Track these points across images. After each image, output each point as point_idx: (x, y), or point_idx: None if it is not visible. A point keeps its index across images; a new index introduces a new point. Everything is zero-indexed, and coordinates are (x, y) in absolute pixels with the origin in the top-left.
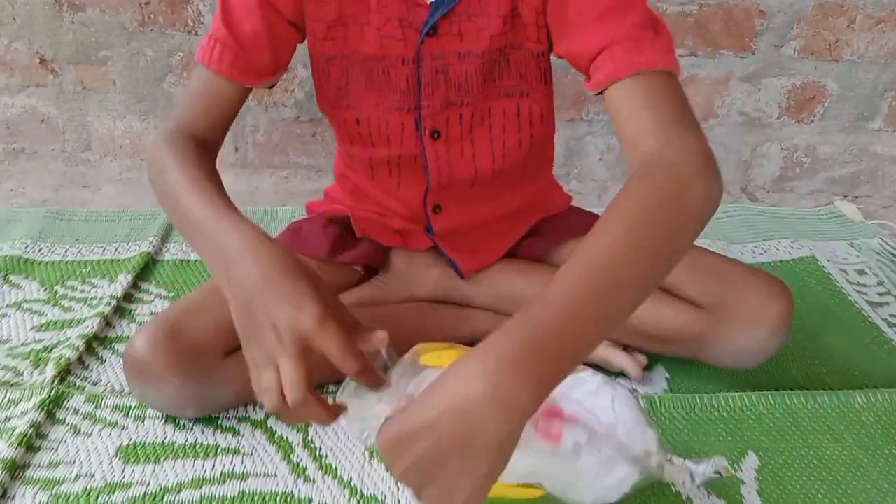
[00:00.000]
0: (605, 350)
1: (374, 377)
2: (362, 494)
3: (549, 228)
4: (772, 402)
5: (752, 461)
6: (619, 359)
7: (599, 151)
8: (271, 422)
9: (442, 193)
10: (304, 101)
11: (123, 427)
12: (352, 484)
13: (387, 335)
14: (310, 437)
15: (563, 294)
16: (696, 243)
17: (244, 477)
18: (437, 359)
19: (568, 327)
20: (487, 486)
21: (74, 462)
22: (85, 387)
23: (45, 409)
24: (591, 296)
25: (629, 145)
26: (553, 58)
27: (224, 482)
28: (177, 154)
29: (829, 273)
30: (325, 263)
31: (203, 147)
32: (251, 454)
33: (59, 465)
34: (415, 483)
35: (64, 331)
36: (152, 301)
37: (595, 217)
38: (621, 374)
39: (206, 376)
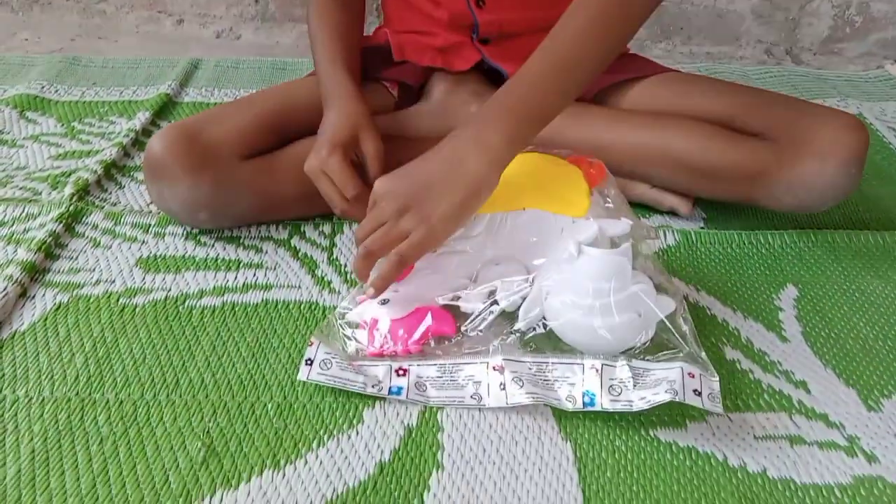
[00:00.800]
0: (655, 192)
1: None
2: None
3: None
4: (813, 239)
5: (790, 292)
6: (669, 198)
7: None
8: (295, 241)
9: None
10: None
11: (143, 242)
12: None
13: None
14: (334, 256)
15: (531, 72)
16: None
17: (267, 287)
18: None
19: (535, 96)
20: (459, 216)
21: (94, 270)
22: (104, 206)
23: (64, 222)
24: (554, 73)
25: None
26: None
27: (247, 291)
28: (317, 10)
29: (877, 129)
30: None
31: None
32: (274, 268)
33: (78, 271)
34: (395, 208)
35: (82, 159)
36: None
37: (653, 64)
38: (671, 212)
39: (220, 175)
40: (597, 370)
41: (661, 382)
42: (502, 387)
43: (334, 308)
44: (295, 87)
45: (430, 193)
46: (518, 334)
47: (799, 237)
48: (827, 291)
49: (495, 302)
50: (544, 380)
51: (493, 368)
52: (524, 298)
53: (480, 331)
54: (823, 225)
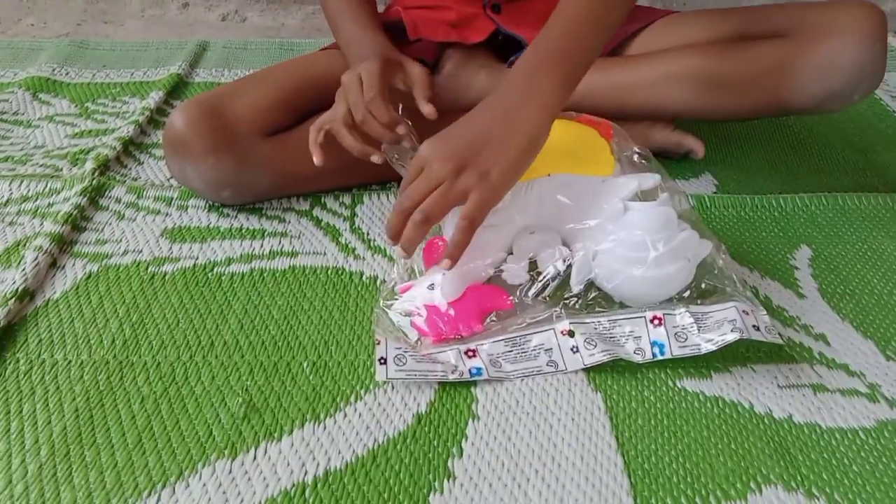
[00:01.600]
0: (677, 134)
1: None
2: (413, 270)
3: None
4: (825, 202)
5: (805, 252)
6: (689, 140)
7: None
8: (316, 211)
9: None
10: None
11: (167, 214)
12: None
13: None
14: (356, 225)
15: (569, 15)
16: None
17: (293, 254)
18: None
19: (577, 37)
20: (519, 168)
21: (121, 241)
22: (125, 181)
23: (88, 195)
24: (590, 18)
25: None
26: None
27: (273, 258)
28: None
29: (881, 98)
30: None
31: None
32: (299, 237)
33: (105, 242)
34: (451, 168)
35: (99, 137)
36: None
37: (654, 10)
38: (686, 156)
39: (242, 154)
40: (659, 320)
41: (723, 323)
42: (575, 350)
43: (361, 275)
44: (312, 60)
45: (487, 148)
46: (577, 297)
47: (810, 200)
48: (840, 251)
49: (557, 271)
50: (611, 336)
51: (562, 333)
52: (566, 262)
53: (546, 297)
54: (833, 189)
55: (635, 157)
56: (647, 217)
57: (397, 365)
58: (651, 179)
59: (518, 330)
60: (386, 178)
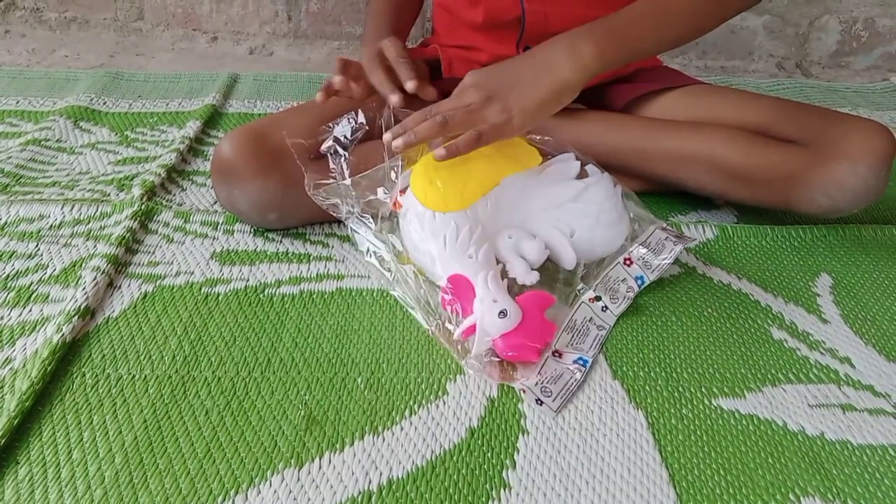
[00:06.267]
0: None
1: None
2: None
3: (639, 77)
4: (842, 233)
5: (825, 280)
6: None
7: None
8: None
9: None
10: None
11: (214, 238)
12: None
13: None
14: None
15: (632, 12)
16: None
17: (339, 277)
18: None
19: (630, 31)
20: (536, 112)
21: (172, 263)
22: (171, 206)
23: (138, 219)
24: (654, 19)
25: None
26: None
27: (321, 281)
28: None
29: None
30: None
31: None
32: (343, 261)
33: (158, 264)
34: (481, 96)
35: (142, 164)
36: None
37: (682, 75)
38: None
39: (288, 178)
40: (629, 260)
41: (663, 242)
42: (605, 309)
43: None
44: None
45: (516, 89)
46: (584, 268)
47: (829, 231)
48: (859, 280)
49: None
50: (613, 288)
51: (590, 301)
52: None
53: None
54: (849, 220)
55: (536, 139)
56: (605, 186)
57: (548, 396)
58: (570, 157)
59: (564, 317)
60: None
